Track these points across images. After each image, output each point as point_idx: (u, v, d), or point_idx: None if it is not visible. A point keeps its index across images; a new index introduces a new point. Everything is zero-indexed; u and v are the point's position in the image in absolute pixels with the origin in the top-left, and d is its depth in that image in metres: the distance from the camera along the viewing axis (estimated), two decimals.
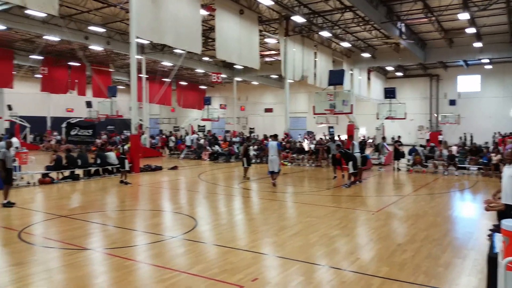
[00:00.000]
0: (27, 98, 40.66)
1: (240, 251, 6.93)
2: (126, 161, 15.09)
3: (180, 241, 7.65)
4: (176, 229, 8.74)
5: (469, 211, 11.34)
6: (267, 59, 38.96)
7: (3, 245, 7.45)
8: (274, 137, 15.45)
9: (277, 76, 44.86)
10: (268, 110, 52.89)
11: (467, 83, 42.00)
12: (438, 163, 18.97)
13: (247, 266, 6.18)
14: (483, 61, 35.94)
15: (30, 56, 32.92)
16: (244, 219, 9.90)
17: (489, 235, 7.75)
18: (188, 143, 27.95)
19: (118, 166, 16.06)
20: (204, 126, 37.44)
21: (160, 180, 16.62)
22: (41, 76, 35.21)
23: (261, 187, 14.83)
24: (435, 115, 43.29)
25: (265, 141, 27.52)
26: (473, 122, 40.23)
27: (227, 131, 44.08)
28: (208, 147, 26.39)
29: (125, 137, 26.74)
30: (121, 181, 14.96)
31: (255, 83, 48.00)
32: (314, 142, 27.80)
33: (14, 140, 17.00)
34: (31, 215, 9.94)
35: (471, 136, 37.56)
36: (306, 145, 28.53)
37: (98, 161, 17.01)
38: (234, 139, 30.26)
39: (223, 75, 38.86)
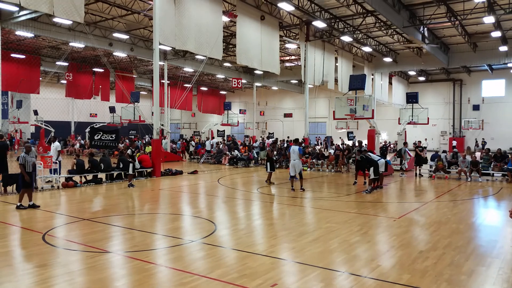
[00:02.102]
0: (52, 103, 41.65)
1: (259, 256, 6.93)
2: (131, 165, 15.76)
3: (199, 245, 7.69)
4: (195, 233, 8.79)
5: (493, 218, 11.04)
6: (287, 64, 39.04)
7: (28, 247, 7.63)
8: (296, 141, 15.37)
9: (296, 81, 44.89)
10: (288, 115, 52.90)
11: (491, 88, 41.19)
12: (461, 168, 18.59)
13: (266, 271, 6.17)
14: (508, 65, 35.19)
15: (56, 63, 33.81)
16: (263, 224, 9.88)
17: None
18: (208, 147, 28.17)
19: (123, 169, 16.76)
20: (223, 131, 37.65)
21: (180, 184, 16.77)
22: (66, 82, 36.09)
23: (280, 192, 14.79)
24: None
25: (269, 144, 27.04)
26: (497, 128, 39.46)
27: (246, 136, 44.19)
28: (227, 152, 26.51)
29: (137, 145, 27.05)
30: (129, 185, 15.48)
31: (274, 88, 48.10)
32: (333, 147, 27.59)
33: (56, 144, 17.17)
34: (55, 218, 10.16)
35: (478, 140, 37.01)
36: (318, 148, 28.36)
37: (121, 165, 17.29)
38: (254, 144, 30.27)
39: (243, 81, 39.09)
